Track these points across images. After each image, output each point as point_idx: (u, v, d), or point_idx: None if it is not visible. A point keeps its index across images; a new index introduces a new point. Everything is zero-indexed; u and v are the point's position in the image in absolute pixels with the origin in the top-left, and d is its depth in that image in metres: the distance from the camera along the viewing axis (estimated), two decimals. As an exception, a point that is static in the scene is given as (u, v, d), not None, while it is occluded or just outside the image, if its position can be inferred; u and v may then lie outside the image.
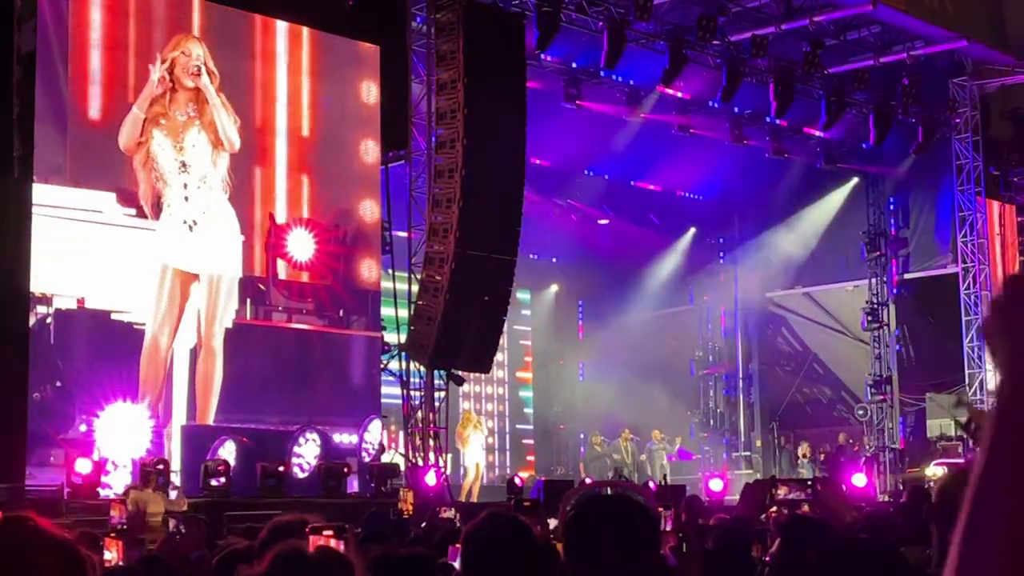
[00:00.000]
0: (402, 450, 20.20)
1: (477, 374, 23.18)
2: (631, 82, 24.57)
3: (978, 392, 26.63)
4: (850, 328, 30.12)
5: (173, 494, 15.41)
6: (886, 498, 22.71)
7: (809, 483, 16.27)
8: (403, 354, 19.74)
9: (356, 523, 8.74)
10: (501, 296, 19.41)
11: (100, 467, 15.76)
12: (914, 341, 29.18)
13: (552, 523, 7.69)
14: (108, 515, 13.03)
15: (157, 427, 17.39)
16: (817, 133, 26.81)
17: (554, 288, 31.83)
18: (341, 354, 20.14)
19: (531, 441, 30.76)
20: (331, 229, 19.78)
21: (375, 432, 19.63)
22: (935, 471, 23.43)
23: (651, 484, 21.17)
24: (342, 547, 3.26)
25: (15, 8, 15.19)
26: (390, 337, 20.17)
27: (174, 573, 6.64)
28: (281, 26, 19.33)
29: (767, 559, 4.43)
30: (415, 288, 19.46)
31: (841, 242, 29.65)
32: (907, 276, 29.41)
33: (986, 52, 25.48)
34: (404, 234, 20.25)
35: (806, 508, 14.04)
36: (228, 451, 17.27)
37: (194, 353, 18.21)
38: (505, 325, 21.15)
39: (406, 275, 19.95)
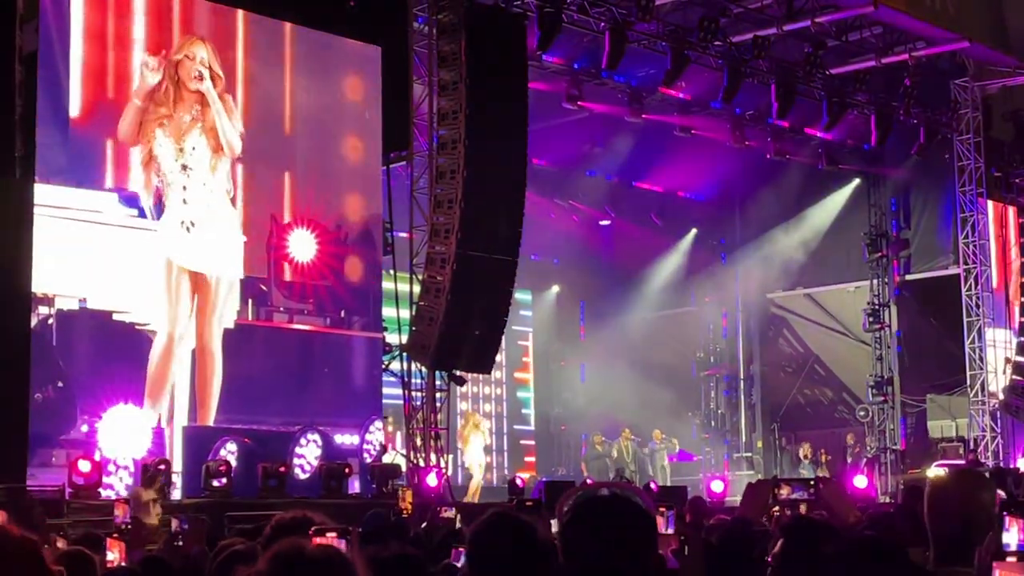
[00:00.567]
0: (403, 451, 20.20)
1: (475, 375, 23.16)
2: (632, 83, 24.57)
3: (979, 393, 26.62)
4: (851, 329, 30.12)
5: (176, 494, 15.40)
6: (887, 499, 22.71)
7: (811, 483, 16.27)
8: (404, 355, 19.74)
9: (358, 524, 8.74)
10: (502, 297, 19.41)
11: (101, 467, 15.76)
12: (915, 342, 29.16)
13: (554, 524, 7.69)
14: (111, 515, 13.03)
15: (159, 427, 17.41)
16: (818, 134, 26.79)
17: (555, 289, 31.83)
18: (342, 355, 20.15)
19: (529, 442, 30.74)
20: (333, 230, 19.79)
21: (376, 433, 19.64)
22: (936, 472, 23.43)
23: (652, 485, 21.18)
24: (345, 547, 3.27)
25: (17, 9, 15.18)
26: (391, 338, 20.17)
27: (175, 573, 6.64)
28: (284, 27, 19.33)
29: (768, 559, 4.42)
30: (416, 289, 19.45)
31: (842, 243, 29.65)
32: (908, 277, 29.40)
33: (987, 53, 25.47)
34: (405, 235, 20.24)
35: (802, 508, 14.04)
36: (229, 452, 17.28)
37: (194, 354, 18.21)
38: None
39: (407, 276, 19.94)
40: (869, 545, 3.70)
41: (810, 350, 31.34)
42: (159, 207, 18.07)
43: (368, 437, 19.39)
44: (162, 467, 15.80)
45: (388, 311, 20.23)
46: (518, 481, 20.33)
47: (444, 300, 18.52)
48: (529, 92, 19.76)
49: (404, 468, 19.26)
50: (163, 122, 18.21)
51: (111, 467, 16.14)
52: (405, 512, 15.67)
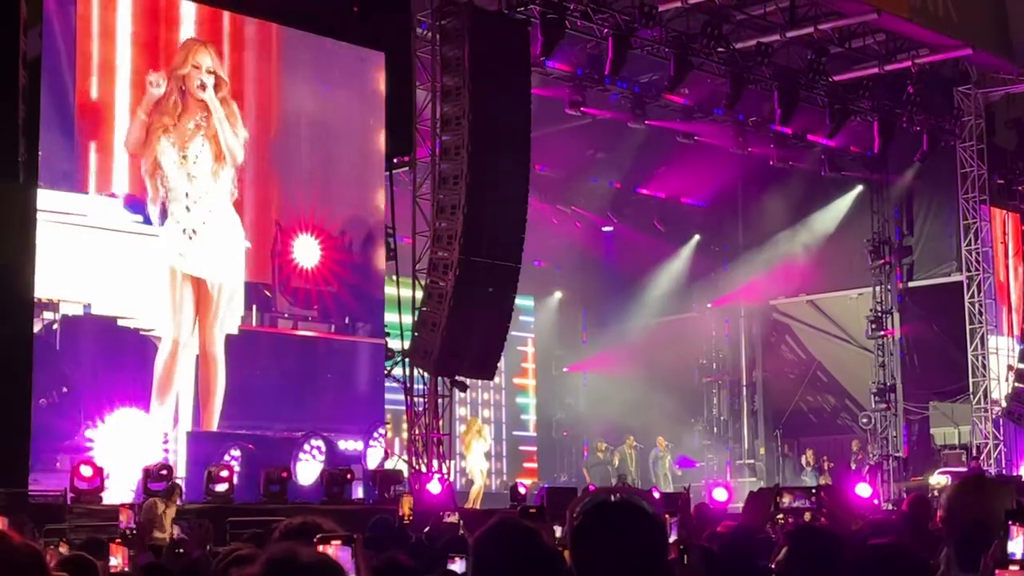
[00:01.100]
0: (405, 456, 20.19)
1: (473, 380, 23.15)
2: (635, 89, 24.58)
3: (982, 400, 26.60)
4: (854, 336, 30.09)
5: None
6: (890, 507, 22.67)
7: (813, 491, 16.25)
8: (406, 360, 19.73)
9: (360, 530, 8.73)
10: (505, 303, 19.41)
11: (104, 473, 15.75)
12: (918, 349, 29.13)
13: (557, 530, 7.68)
14: (113, 520, 13.03)
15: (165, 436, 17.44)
16: (821, 141, 26.78)
17: (558, 295, 31.82)
18: (347, 361, 20.14)
19: (528, 448, 30.70)
20: (336, 235, 19.80)
21: (380, 439, 19.63)
22: (939, 480, 23.42)
23: (655, 491, 21.16)
24: (349, 554, 3.26)
25: (21, 14, 15.20)
26: (394, 343, 20.17)
27: (177, 577, 6.63)
28: (287, 32, 19.33)
29: (772, 567, 4.41)
30: (419, 294, 19.45)
31: (845, 250, 29.63)
32: (911, 284, 29.37)
33: (991, 61, 25.49)
34: (409, 240, 20.24)
35: (807, 517, 14.02)
36: (232, 457, 17.28)
37: (198, 359, 18.21)
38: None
39: (410, 281, 19.94)
40: (888, 553, 3.69)
41: (813, 357, 31.31)
42: (163, 214, 18.09)
43: (371, 443, 19.39)
44: (164, 472, 15.79)
45: (390, 316, 20.22)
46: (520, 487, 20.30)
47: (447, 306, 18.52)
48: (532, 98, 19.77)
49: (406, 474, 19.25)
50: (167, 130, 18.27)
51: (115, 472, 16.13)
52: (406, 519, 15.65)
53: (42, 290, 15.98)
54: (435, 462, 19.36)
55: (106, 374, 17.24)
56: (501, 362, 24.63)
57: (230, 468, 16.69)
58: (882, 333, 28.85)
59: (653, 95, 24.57)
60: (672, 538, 7.11)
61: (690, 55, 22.28)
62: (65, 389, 16.80)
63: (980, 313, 26.81)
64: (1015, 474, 24.55)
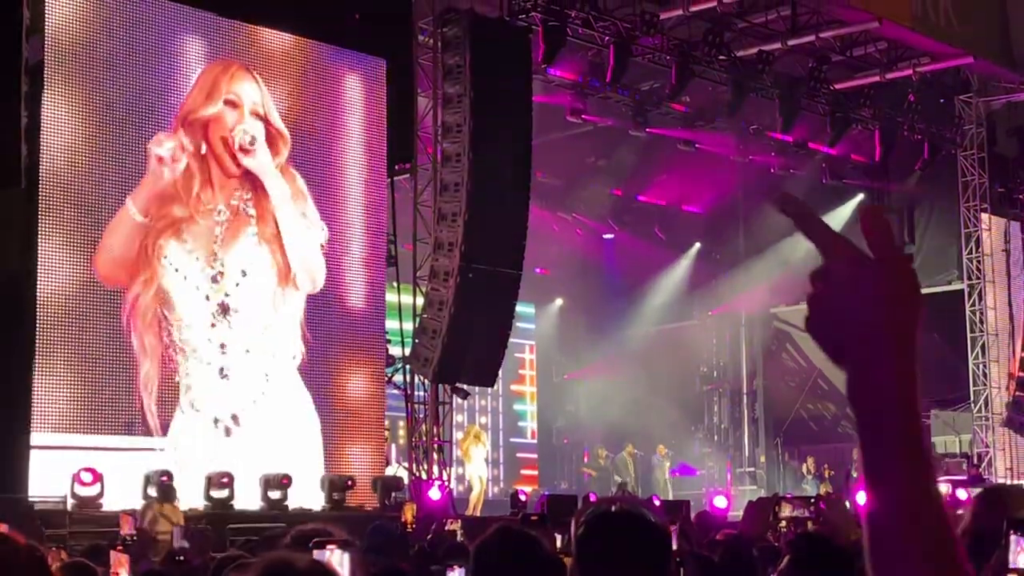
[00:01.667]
0: (405, 464, 20.18)
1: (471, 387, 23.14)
2: (636, 97, 24.60)
3: (983, 409, 26.58)
4: (855, 344, 30.04)
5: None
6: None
7: (813, 500, 16.23)
8: (407, 367, 19.73)
9: (361, 537, 8.73)
10: (506, 310, 19.41)
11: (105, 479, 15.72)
12: (919, 357, 29.09)
13: (559, 538, 7.68)
14: (113, 527, 13.01)
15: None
16: (822, 149, 26.81)
17: (559, 302, 31.82)
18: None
19: (526, 455, 30.65)
20: (337, 242, 19.77)
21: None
22: (943, 488, 23.39)
23: (655, 499, 21.14)
24: (348, 560, 3.26)
25: (23, 20, 15.23)
26: (394, 350, 20.17)
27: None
28: (288, 39, 19.30)
29: (774, 576, 4.41)
30: (420, 301, 19.46)
31: (846, 258, 29.56)
32: (912, 293, 29.33)
33: (992, 69, 25.51)
34: (409, 247, 20.25)
35: (809, 526, 14.01)
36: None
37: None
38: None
39: (411, 288, 19.95)
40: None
41: (813, 365, 31.26)
42: (166, 404, 14.54)
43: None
44: (164, 478, 15.76)
45: (391, 323, 20.22)
46: (520, 494, 20.29)
47: (447, 313, 18.53)
48: (533, 105, 19.79)
49: (406, 481, 19.25)
50: (179, 225, 13.98)
51: (114, 478, 16.09)
52: (409, 526, 15.64)
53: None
54: (435, 469, 19.36)
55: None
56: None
57: (230, 474, 16.65)
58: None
59: (654, 103, 24.60)
60: (673, 547, 7.12)
61: (691, 63, 22.30)
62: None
63: (981, 322, 26.80)
64: (1016, 483, 24.54)
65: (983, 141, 26.84)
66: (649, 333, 31.11)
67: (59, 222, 15.62)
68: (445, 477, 19.58)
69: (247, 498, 16.42)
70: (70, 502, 14.96)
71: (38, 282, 15.42)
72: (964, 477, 24.65)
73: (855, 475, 27.74)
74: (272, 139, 16.47)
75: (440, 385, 19.58)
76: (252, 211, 14.61)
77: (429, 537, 12.23)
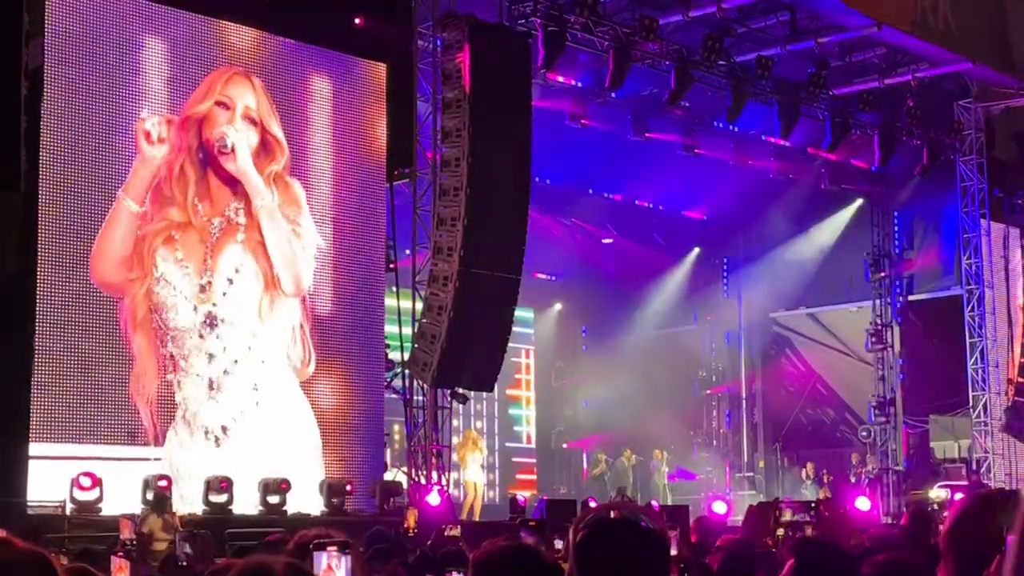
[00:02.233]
0: (404, 468, 20.18)
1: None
2: (636, 102, 24.60)
3: (982, 414, 26.58)
4: (854, 349, 30.10)
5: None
6: (890, 520, 22.66)
7: (812, 505, 16.24)
8: (406, 372, 19.73)
9: (360, 541, 8.72)
10: (505, 315, 19.41)
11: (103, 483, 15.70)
12: (918, 363, 29.14)
13: (558, 544, 7.67)
14: (112, 532, 13.00)
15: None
16: (822, 154, 26.81)
17: (557, 307, 31.82)
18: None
19: (521, 459, 30.61)
20: (336, 247, 19.76)
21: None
22: (938, 493, 23.40)
23: (654, 504, 21.13)
24: (347, 563, 3.26)
25: (23, 24, 15.21)
26: (393, 355, 20.17)
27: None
28: (288, 44, 19.31)
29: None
30: (419, 306, 19.45)
31: (845, 263, 29.64)
32: (911, 297, 29.40)
33: (991, 74, 25.50)
34: (409, 252, 20.25)
35: (809, 531, 14.01)
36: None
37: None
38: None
39: (410, 293, 19.95)
40: (895, 568, 3.69)
41: (812, 370, 31.32)
42: (160, 414, 14.72)
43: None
44: (163, 484, 15.73)
45: (390, 328, 20.23)
46: (519, 499, 20.28)
47: (446, 318, 18.51)
48: (533, 110, 19.80)
49: (405, 486, 19.24)
50: (171, 233, 14.11)
51: (113, 483, 16.08)
52: (411, 532, 15.63)
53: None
54: (434, 474, 19.35)
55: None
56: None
57: (229, 479, 16.63)
58: (882, 346, 28.86)
59: (654, 108, 24.61)
60: (672, 552, 7.11)
61: (691, 68, 22.31)
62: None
63: (980, 327, 26.81)
64: (1015, 488, 24.53)
65: (982, 146, 26.85)
66: (648, 338, 31.11)
67: (58, 227, 15.65)
68: (444, 482, 19.58)
69: (245, 503, 16.43)
70: (69, 507, 14.95)
71: (37, 287, 15.42)
72: (964, 483, 24.66)
73: (853, 480, 27.79)
74: (269, 146, 16.56)
75: (439, 390, 19.56)
76: (242, 220, 14.75)
77: (429, 543, 12.21)
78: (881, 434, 28.51)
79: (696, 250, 31.97)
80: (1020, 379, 26.82)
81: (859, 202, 29.76)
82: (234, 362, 14.76)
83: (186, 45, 17.58)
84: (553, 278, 30.00)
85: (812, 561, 3.97)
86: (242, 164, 14.14)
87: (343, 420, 19.06)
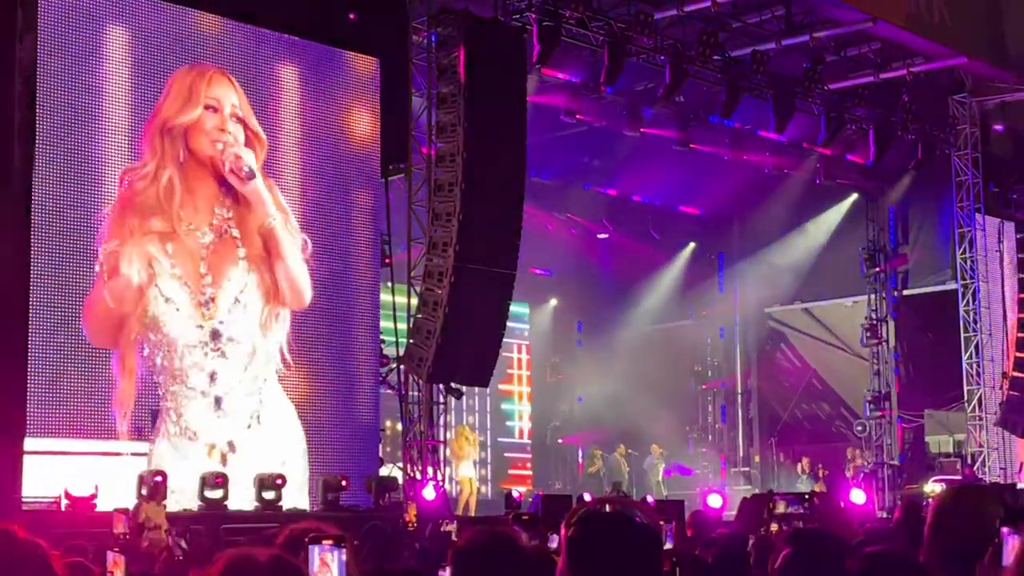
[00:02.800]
0: (400, 463, 20.18)
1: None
2: (631, 97, 24.60)
3: (977, 409, 26.61)
4: (849, 344, 30.14)
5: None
6: (884, 514, 22.69)
7: (807, 497, 16.28)
8: (401, 367, 19.73)
9: (356, 536, 8.72)
10: (501, 310, 19.40)
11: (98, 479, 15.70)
12: (913, 357, 29.19)
13: (553, 539, 7.68)
14: (109, 528, 12.99)
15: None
16: (817, 149, 26.83)
17: (553, 302, 31.83)
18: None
19: (514, 455, 30.61)
20: (331, 243, 19.76)
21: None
22: (933, 487, 23.43)
23: (649, 499, 21.15)
24: (342, 557, 3.26)
25: (16, 21, 15.18)
26: (388, 350, 20.17)
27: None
28: (282, 39, 19.29)
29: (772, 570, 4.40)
30: (414, 301, 19.45)
31: (840, 258, 29.67)
32: (906, 292, 29.43)
33: (986, 69, 25.53)
34: (403, 247, 20.25)
35: (800, 524, 14.04)
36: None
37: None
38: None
39: (405, 288, 19.95)
40: (889, 560, 3.70)
41: (808, 365, 31.35)
42: (150, 416, 14.67)
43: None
44: (159, 478, 15.73)
45: (386, 323, 20.23)
46: (515, 494, 20.29)
47: (442, 313, 18.51)
48: (528, 105, 19.79)
49: (401, 481, 19.24)
50: (165, 246, 13.90)
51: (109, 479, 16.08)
52: (411, 526, 15.64)
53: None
54: (430, 469, 19.36)
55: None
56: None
57: (224, 475, 16.64)
58: (877, 341, 28.89)
59: (649, 102, 24.61)
60: (667, 546, 7.12)
61: (686, 63, 22.30)
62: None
63: (975, 321, 26.83)
64: (1009, 483, 24.57)
65: (977, 141, 26.88)
66: (644, 333, 31.14)
67: (53, 225, 15.63)
68: (439, 477, 19.59)
69: (241, 498, 16.43)
70: (64, 502, 14.93)
71: (32, 286, 15.38)
72: (959, 477, 24.70)
73: (848, 474, 27.82)
74: (249, 142, 16.57)
75: (434, 385, 19.57)
76: (236, 232, 14.73)
77: (425, 538, 12.23)
78: (876, 429, 28.55)
79: (691, 245, 32.00)
80: (1015, 373, 26.85)
81: (854, 197, 29.77)
82: (239, 382, 15.04)
83: (178, 41, 17.56)
84: (548, 273, 29.98)
85: (808, 549, 3.98)
86: (260, 186, 14.00)
87: (338, 415, 19.06)
